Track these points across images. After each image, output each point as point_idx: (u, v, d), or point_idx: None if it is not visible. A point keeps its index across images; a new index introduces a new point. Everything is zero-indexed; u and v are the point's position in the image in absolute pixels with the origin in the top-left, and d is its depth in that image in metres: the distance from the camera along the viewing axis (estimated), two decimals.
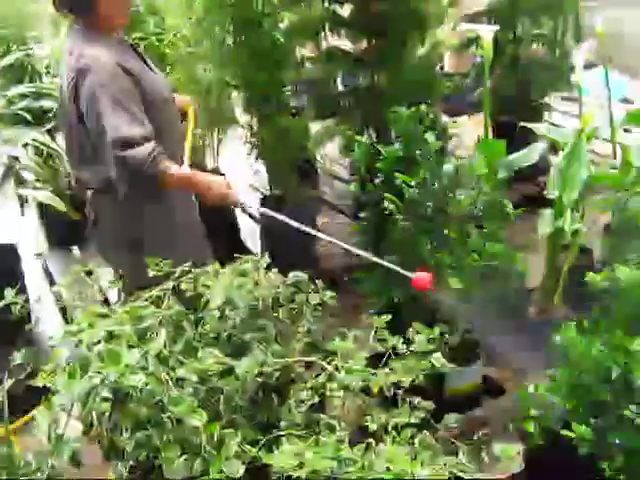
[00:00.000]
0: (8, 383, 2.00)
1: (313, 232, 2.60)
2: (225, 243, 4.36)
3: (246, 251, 4.17)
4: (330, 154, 4.78)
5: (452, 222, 2.57)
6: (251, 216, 4.68)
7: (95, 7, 2.45)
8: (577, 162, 2.68)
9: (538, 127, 3.27)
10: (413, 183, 2.49)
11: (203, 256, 2.45)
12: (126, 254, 2.54)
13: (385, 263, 2.43)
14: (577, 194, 2.71)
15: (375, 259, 2.45)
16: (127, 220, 2.66)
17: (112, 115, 2.36)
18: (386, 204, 2.58)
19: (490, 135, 3.20)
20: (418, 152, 2.53)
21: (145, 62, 2.64)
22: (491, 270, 2.62)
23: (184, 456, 1.57)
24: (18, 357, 2.16)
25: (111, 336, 1.80)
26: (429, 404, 1.88)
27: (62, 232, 4.74)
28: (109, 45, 2.47)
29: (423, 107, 2.69)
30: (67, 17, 2.59)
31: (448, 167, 2.57)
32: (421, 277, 2.35)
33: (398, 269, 2.42)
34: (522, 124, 3.27)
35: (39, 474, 1.76)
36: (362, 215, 2.86)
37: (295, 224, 2.55)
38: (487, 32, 2.95)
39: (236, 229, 4.83)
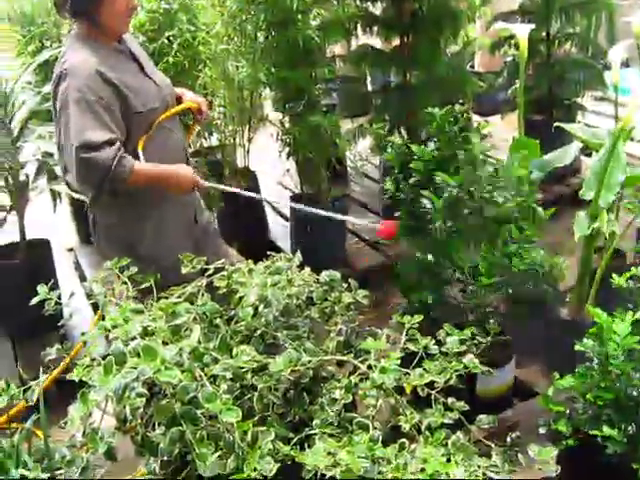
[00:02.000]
0: (44, 378, 2.03)
1: (258, 197, 2.76)
2: (254, 242, 4.40)
3: (276, 250, 4.17)
4: (361, 152, 4.76)
5: (490, 223, 2.54)
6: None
7: (96, 15, 2.48)
8: (614, 164, 2.64)
9: (572, 127, 3.23)
10: (453, 183, 2.47)
11: (211, 254, 2.44)
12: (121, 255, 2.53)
13: (353, 219, 2.87)
14: (613, 196, 2.67)
15: (346, 217, 2.93)
16: (116, 227, 2.68)
17: (78, 119, 2.38)
18: (424, 203, 2.56)
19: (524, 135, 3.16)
20: (459, 153, 2.51)
21: (142, 70, 2.64)
22: (526, 271, 2.59)
23: (217, 453, 1.57)
24: (52, 352, 2.18)
25: (146, 332, 1.81)
26: (462, 405, 1.87)
27: None
28: (96, 52, 2.48)
29: (457, 107, 2.66)
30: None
31: (487, 168, 2.54)
32: (387, 225, 2.56)
33: (363, 221, 2.64)
34: (557, 124, 3.22)
35: (74, 467, 1.79)
36: (396, 215, 2.85)
37: (297, 206, 2.70)
38: (522, 31, 2.91)
39: (265, 228, 4.85)
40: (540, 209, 2.67)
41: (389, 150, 2.88)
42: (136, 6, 2.59)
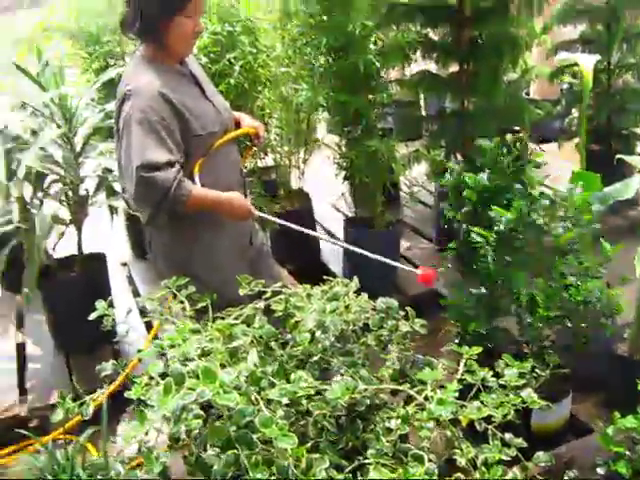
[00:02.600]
0: (99, 393, 2.05)
1: (312, 233, 2.84)
2: (307, 265, 4.41)
3: (328, 273, 4.17)
4: (416, 177, 4.76)
5: (547, 255, 2.51)
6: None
7: (162, 38, 2.52)
8: None
9: (634, 159, 3.17)
10: (506, 217, 2.45)
11: (266, 277, 2.44)
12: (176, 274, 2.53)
13: (389, 261, 2.74)
14: None
15: (379, 257, 2.72)
16: (173, 246, 2.71)
17: (141, 139, 2.41)
18: (473, 237, 2.54)
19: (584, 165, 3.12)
20: (513, 183, 2.48)
21: (203, 93, 2.67)
22: (583, 304, 2.55)
23: (272, 478, 1.56)
24: (107, 367, 2.20)
25: (203, 353, 1.82)
26: (520, 442, 1.84)
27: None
28: (160, 74, 2.51)
29: (509, 137, 2.64)
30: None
31: (544, 200, 2.51)
32: (426, 272, 2.57)
33: (402, 266, 2.80)
34: (618, 156, 3.17)
35: None
36: (451, 245, 2.83)
37: (295, 227, 2.71)
38: (588, 62, 2.88)
39: (317, 250, 4.85)
40: (606, 243, 2.62)
41: (447, 176, 2.86)
42: (202, 29, 2.62)
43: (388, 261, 2.74)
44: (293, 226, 2.70)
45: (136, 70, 2.56)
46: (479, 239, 2.58)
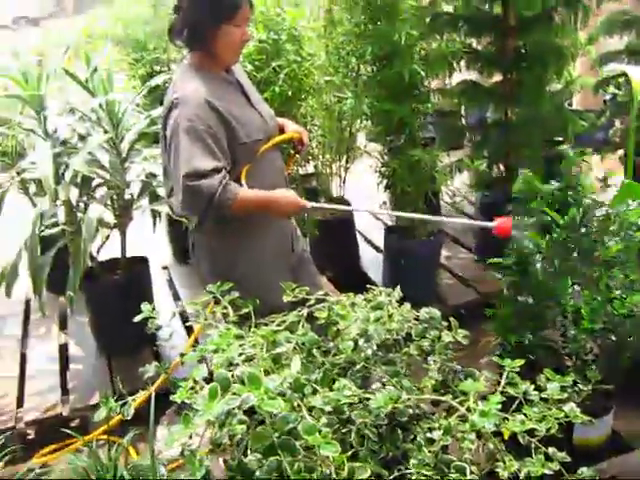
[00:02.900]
0: (141, 394, 2.08)
1: (361, 210, 2.81)
2: (346, 272, 4.41)
3: (367, 281, 4.17)
4: (458, 189, 4.75)
5: (595, 267, 2.49)
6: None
7: (210, 46, 2.55)
8: None
9: None
10: (561, 223, 2.43)
11: (308, 284, 2.45)
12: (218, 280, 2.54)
13: (460, 220, 2.55)
14: None
15: (443, 219, 2.81)
16: (217, 252, 2.73)
17: (187, 147, 2.43)
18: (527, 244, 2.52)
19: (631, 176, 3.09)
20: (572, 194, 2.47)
21: (249, 101, 2.69)
22: (628, 317, 2.51)
23: None
24: (150, 369, 2.23)
25: (246, 358, 1.83)
26: (564, 455, 1.82)
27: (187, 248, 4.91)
28: (207, 82, 2.54)
29: (565, 147, 2.63)
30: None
31: (600, 211, 2.50)
32: (503, 223, 2.43)
33: (476, 222, 2.54)
34: None
35: None
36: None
37: (339, 207, 2.65)
38: (636, 72, 2.85)
39: (357, 257, 4.86)
40: None
41: (517, 181, 2.84)
42: (249, 38, 2.65)
43: (463, 220, 2.68)
44: (345, 208, 2.64)
45: (183, 78, 2.59)
46: (531, 246, 2.57)
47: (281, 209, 2.61)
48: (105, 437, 2.84)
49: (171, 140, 2.50)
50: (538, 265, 2.50)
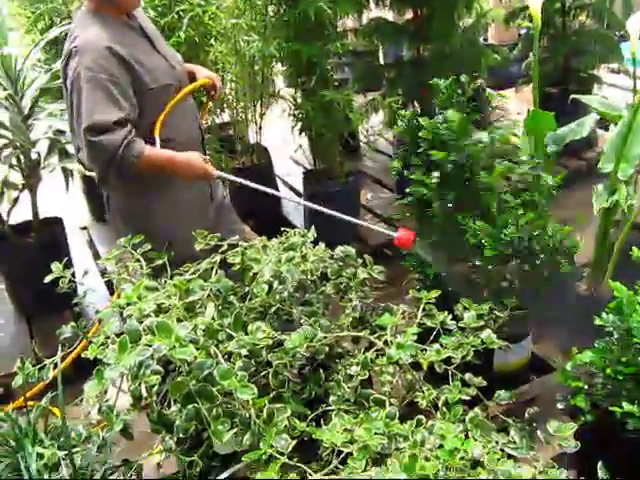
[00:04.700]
0: (59, 355, 2.02)
1: (273, 192, 2.85)
2: (267, 218, 4.38)
3: (289, 226, 4.16)
4: (374, 127, 4.73)
5: (491, 194, 2.52)
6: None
7: None
8: (633, 136, 2.60)
9: (589, 99, 3.18)
10: (452, 158, 2.44)
11: (226, 230, 2.41)
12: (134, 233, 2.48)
13: (364, 223, 2.75)
14: (632, 169, 2.63)
15: (352, 219, 2.68)
16: (131, 202, 2.66)
17: (89, 99, 2.34)
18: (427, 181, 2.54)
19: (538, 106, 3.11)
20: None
21: (154, 46, 2.60)
22: (532, 242, 2.55)
23: (233, 430, 1.56)
24: (67, 330, 2.18)
25: (160, 309, 1.80)
26: (480, 381, 1.85)
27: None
28: (107, 28, 2.43)
29: (463, 77, 2.63)
30: None
31: (483, 137, 2.51)
32: (404, 235, 2.46)
33: (381, 229, 2.66)
34: (573, 96, 3.17)
35: (89, 445, 1.79)
36: (407, 190, 2.81)
37: (255, 186, 2.62)
38: (536, 2, 2.85)
39: (278, 205, 4.82)
40: (550, 177, 2.61)
41: (400, 124, 2.84)
42: None
43: (368, 224, 2.72)
44: (253, 185, 2.62)
45: (82, 25, 2.46)
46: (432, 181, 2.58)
47: (187, 174, 2.53)
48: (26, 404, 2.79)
49: (71, 91, 2.39)
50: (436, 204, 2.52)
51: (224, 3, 3.89)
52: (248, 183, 2.62)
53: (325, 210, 2.60)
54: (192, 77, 2.77)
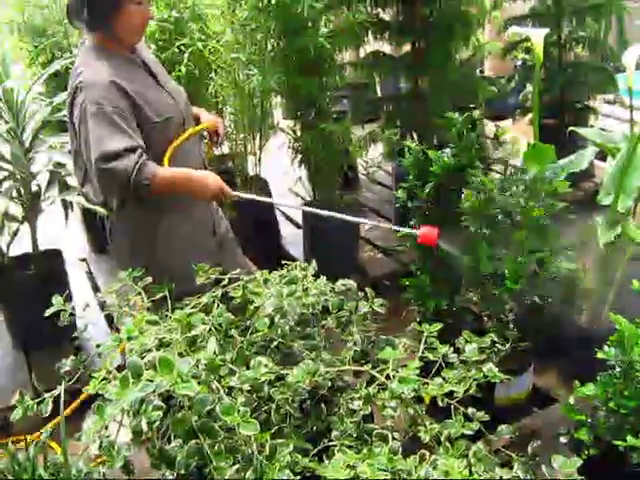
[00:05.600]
0: (59, 389, 2.01)
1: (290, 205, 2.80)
2: (267, 249, 4.37)
3: (288, 257, 4.15)
4: (373, 159, 4.75)
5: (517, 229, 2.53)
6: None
7: (111, 26, 2.47)
8: (632, 168, 2.62)
9: (587, 131, 3.20)
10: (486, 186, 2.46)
11: (229, 264, 2.41)
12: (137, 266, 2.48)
13: (387, 225, 2.54)
14: (632, 201, 2.64)
15: (376, 223, 2.86)
16: (135, 238, 2.67)
17: (97, 131, 2.36)
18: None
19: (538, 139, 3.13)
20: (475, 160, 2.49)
21: (157, 81, 2.63)
22: (542, 275, 2.57)
23: (235, 466, 1.54)
24: (67, 364, 2.16)
25: (161, 344, 1.79)
26: (483, 415, 1.84)
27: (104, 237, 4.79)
28: (111, 63, 2.47)
29: (476, 113, 2.65)
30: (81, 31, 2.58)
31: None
32: (427, 232, 2.42)
33: (403, 229, 2.59)
34: (571, 129, 3.19)
35: None
36: (412, 223, 2.82)
37: (263, 199, 2.63)
38: (537, 35, 2.88)
39: (277, 235, 4.82)
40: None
41: (407, 156, 2.85)
42: (151, 17, 2.58)
43: (365, 221, 2.86)
44: (269, 200, 2.60)
45: (86, 61, 2.50)
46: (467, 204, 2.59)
47: (204, 190, 2.54)
48: (26, 438, 2.76)
49: (80, 126, 2.42)
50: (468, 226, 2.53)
51: (224, 37, 3.92)
52: (264, 199, 2.62)
53: (330, 214, 2.60)
54: (196, 120, 2.80)
